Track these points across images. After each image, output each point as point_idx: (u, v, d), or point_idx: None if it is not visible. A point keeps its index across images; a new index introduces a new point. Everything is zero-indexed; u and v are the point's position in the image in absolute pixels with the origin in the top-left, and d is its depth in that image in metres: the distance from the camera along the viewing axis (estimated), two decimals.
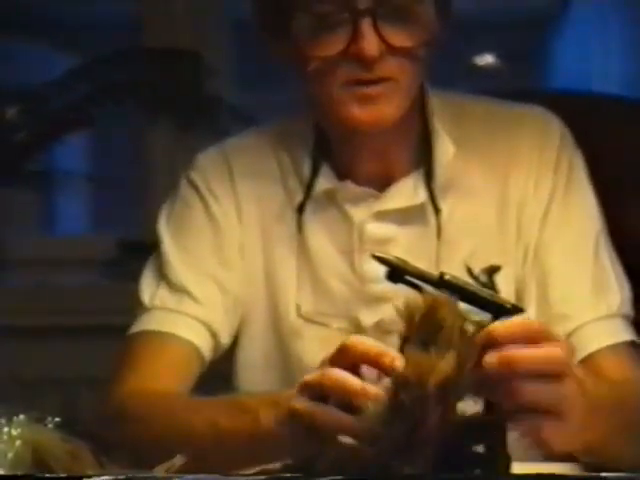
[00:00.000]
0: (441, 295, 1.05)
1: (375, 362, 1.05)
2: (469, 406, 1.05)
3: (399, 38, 1.39)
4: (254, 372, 1.58)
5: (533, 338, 1.03)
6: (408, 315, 1.04)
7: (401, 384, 1.01)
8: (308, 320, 1.52)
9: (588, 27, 5.60)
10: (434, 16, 1.43)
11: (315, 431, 1.07)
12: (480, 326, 1.05)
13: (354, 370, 1.07)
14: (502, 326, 1.03)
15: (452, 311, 1.04)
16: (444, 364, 1.00)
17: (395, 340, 1.06)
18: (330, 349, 1.10)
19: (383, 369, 1.04)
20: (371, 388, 1.04)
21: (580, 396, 1.07)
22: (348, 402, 1.05)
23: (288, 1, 1.41)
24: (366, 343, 1.07)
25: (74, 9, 5.09)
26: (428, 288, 1.12)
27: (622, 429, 1.25)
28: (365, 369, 1.08)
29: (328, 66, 1.40)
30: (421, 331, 1.03)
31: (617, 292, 1.49)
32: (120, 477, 1.01)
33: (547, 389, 1.04)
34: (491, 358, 1.01)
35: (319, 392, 1.08)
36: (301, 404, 1.10)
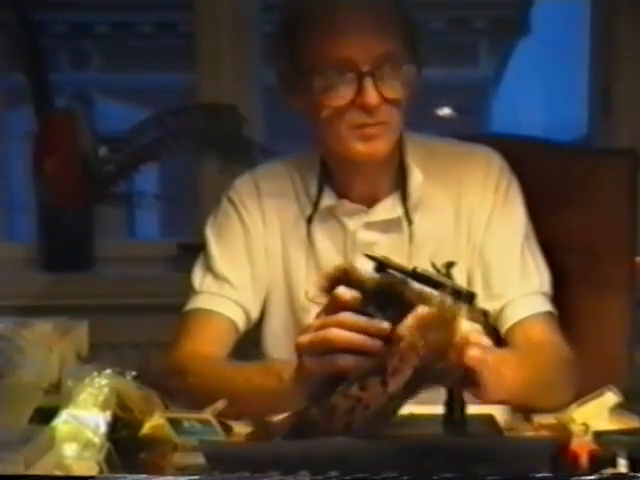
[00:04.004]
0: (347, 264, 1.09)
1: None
2: None
3: (391, 92, 1.37)
4: (276, 338, 1.54)
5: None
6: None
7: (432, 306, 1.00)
8: (313, 301, 1.49)
9: (517, 90, 5.61)
10: (415, 75, 1.40)
11: (330, 351, 1.04)
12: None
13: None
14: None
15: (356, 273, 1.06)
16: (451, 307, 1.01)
17: None
18: None
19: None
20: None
21: (493, 374, 1.06)
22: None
23: (310, 66, 1.38)
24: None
25: (148, 76, 5.12)
26: (405, 278, 1.11)
27: (536, 382, 1.26)
28: None
29: (338, 113, 1.38)
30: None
31: (537, 277, 1.48)
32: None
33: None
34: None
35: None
36: (305, 337, 1.08)
